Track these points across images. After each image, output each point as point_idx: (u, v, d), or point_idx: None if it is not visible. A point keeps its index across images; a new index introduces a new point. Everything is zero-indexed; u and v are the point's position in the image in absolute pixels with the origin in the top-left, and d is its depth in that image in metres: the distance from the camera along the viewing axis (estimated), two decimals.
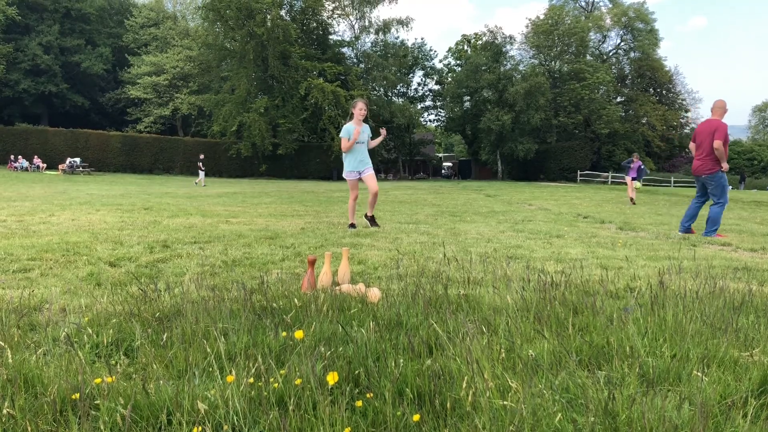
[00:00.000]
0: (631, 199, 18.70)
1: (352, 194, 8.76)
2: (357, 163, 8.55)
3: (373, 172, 8.77)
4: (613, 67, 59.55)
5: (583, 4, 62.91)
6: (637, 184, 20.72)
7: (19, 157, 41.75)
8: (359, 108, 8.44)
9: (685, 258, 5.81)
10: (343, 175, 8.66)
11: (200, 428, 1.78)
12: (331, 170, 47.12)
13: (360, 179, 8.65)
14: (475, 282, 4.08)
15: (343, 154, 8.64)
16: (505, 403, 1.92)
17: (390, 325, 2.85)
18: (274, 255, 5.56)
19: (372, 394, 2.01)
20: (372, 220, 8.94)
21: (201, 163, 31.80)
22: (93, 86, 55.48)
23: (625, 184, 20.22)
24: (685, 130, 61.90)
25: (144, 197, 15.65)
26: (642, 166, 20.34)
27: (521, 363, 2.30)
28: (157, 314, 2.98)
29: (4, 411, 1.81)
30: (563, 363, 2.36)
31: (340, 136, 8.52)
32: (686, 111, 62.14)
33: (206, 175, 44.36)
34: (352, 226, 8.67)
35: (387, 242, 6.72)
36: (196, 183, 30.01)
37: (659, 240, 7.83)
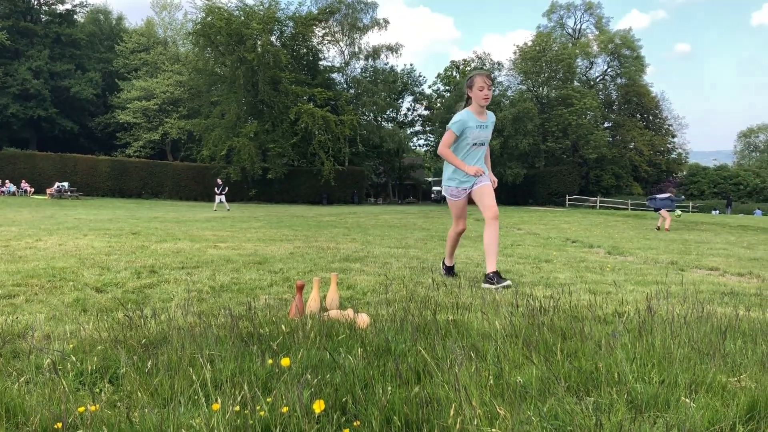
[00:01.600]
0: (658, 228, 17.80)
1: (456, 224, 5.91)
2: (466, 174, 5.56)
3: (490, 183, 5.70)
4: (600, 92, 60.29)
5: (570, 31, 63.84)
6: (676, 212, 19.58)
7: (7, 181, 41.52)
8: (479, 86, 5.31)
9: (672, 283, 5.84)
10: (444, 193, 5.90)
11: None
12: (321, 194, 47.16)
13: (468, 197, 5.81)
14: (464, 307, 4.07)
15: (445, 162, 5.76)
16: (493, 430, 1.90)
17: (378, 352, 2.83)
18: (262, 280, 5.53)
19: (359, 422, 1.99)
20: (495, 277, 5.27)
21: (218, 189, 31.58)
22: (82, 111, 55.43)
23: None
24: (672, 155, 62.55)
25: (132, 222, 15.58)
26: (671, 197, 18.90)
27: (510, 389, 2.29)
28: (143, 341, 2.95)
29: None
30: (552, 389, 2.35)
31: (448, 127, 5.44)
32: (673, 136, 62.88)
33: (195, 199, 44.26)
34: (449, 271, 6.02)
35: (376, 267, 6.71)
36: (215, 210, 28.98)
37: (647, 264, 7.86)
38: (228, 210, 28.67)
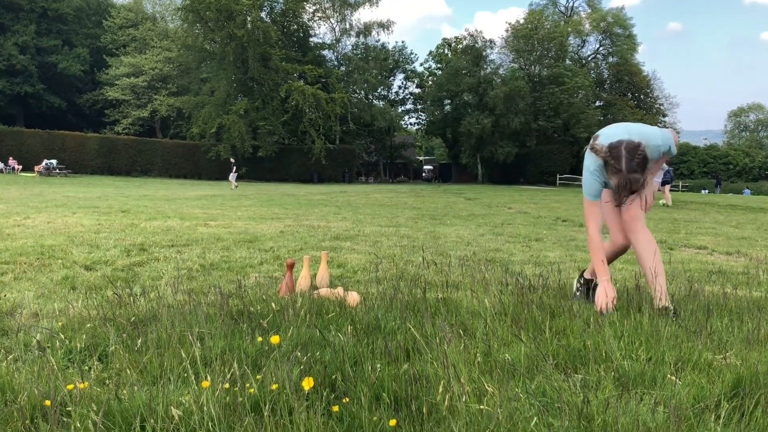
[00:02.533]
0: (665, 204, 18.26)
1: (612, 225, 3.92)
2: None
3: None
4: (592, 71, 60.15)
5: (562, 9, 63.47)
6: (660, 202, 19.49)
7: None
8: None
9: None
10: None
11: None
12: (312, 173, 47.02)
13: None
14: (454, 285, 4.09)
15: None
16: (481, 407, 1.92)
17: (368, 330, 2.84)
18: (252, 258, 5.53)
19: (348, 399, 2.00)
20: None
21: (234, 168, 31.69)
22: (70, 87, 54.76)
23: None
24: None
25: (121, 199, 15.49)
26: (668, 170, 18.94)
27: (498, 367, 2.30)
28: (133, 319, 2.95)
29: None
30: (540, 367, 2.37)
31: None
32: (663, 115, 62.94)
33: (185, 177, 44.02)
34: (587, 285, 3.84)
35: (367, 246, 6.71)
36: (235, 187, 29.01)
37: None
38: (233, 188, 28.64)
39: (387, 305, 3.26)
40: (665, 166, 18.65)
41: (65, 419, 1.86)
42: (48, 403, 1.89)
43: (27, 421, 1.82)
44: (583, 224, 10.54)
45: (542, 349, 2.52)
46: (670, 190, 20.81)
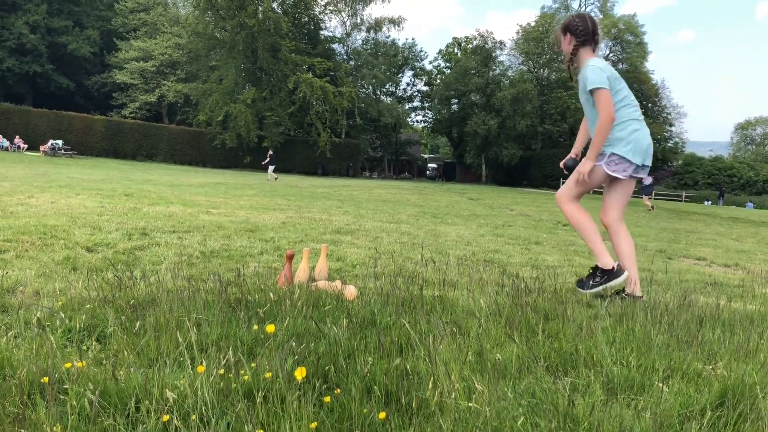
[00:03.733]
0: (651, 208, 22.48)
1: (614, 208, 4.21)
2: (648, 141, 4.03)
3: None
4: None
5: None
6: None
7: (0, 136, 41.19)
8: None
9: (659, 270, 5.90)
10: (607, 168, 4.00)
11: (168, 417, 1.79)
12: (316, 165, 47.07)
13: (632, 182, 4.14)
14: (451, 284, 4.12)
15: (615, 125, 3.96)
16: (470, 404, 1.95)
17: (363, 324, 2.87)
18: (252, 248, 5.56)
19: (340, 391, 2.03)
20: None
21: (271, 158, 31.20)
22: (79, 69, 54.83)
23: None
24: (669, 144, 62.58)
25: (125, 183, 15.54)
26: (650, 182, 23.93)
27: (489, 366, 2.34)
28: (132, 302, 2.99)
29: None
30: (531, 368, 2.40)
31: (597, 86, 3.90)
32: (670, 125, 62.83)
33: (189, 164, 44.07)
34: (612, 275, 4.02)
35: (367, 241, 6.75)
36: (273, 179, 28.55)
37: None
38: (269, 179, 28.10)
39: (383, 300, 3.29)
40: (649, 179, 22.39)
41: (62, 396, 1.90)
42: (46, 379, 1.93)
43: (24, 397, 1.86)
44: None
45: (534, 351, 2.55)
46: (650, 198, 25.11)
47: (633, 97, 4.07)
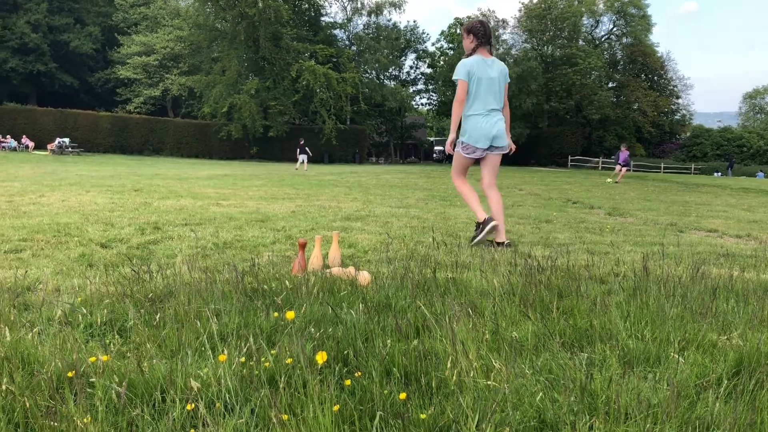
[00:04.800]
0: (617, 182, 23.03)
1: (485, 177, 5.65)
2: (487, 129, 5.37)
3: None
4: (606, 52, 59.59)
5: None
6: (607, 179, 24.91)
7: (7, 136, 41.40)
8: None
9: (670, 244, 5.90)
10: (462, 152, 5.52)
11: (193, 405, 1.84)
12: (322, 153, 47.05)
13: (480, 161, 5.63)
14: (463, 266, 4.14)
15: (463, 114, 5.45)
16: (489, 382, 1.98)
17: (379, 307, 2.91)
18: (264, 238, 5.60)
19: (360, 374, 2.07)
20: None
21: (305, 148, 30.90)
22: (82, 66, 54.93)
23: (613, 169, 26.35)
24: (676, 116, 62.14)
25: (134, 178, 15.62)
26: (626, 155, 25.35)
27: (505, 344, 2.37)
28: (150, 295, 3.03)
29: (3, 387, 1.86)
30: (547, 345, 2.43)
31: (455, 77, 5.34)
32: (677, 97, 62.36)
33: (196, 156, 44.16)
34: (485, 223, 5.37)
35: (377, 226, 6.77)
36: (296, 168, 28.63)
37: (647, 226, 7.92)
38: (296, 170, 27.86)
39: (397, 284, 3.32)
40: (625, 152, 24.85)
41: (89, 390, 1.95)
42: (72, 374, 1.98)
43: (53, 391, 1.90)
44: (594, 206, 10.57)
45: (549, 328, 2.58)
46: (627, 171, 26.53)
47: (484, 97, 5.32)
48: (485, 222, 5.31)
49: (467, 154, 5.47)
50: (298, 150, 30.73)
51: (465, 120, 5.40)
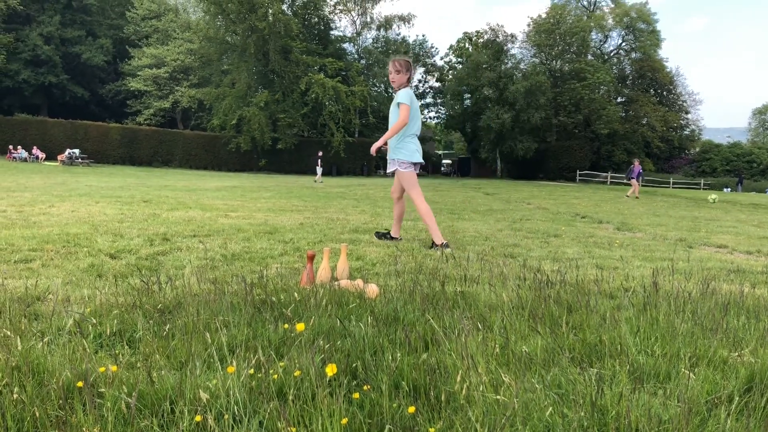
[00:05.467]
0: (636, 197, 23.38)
1: (397, 189, 6.72)
2: (420, 148, 6.51)
3: (389, 169, 6.61)
4: (614, 67, 59.62)
5: (585, 3, 62.88)
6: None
7: (19, 147, 41.73)
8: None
9: (680, 259, 5.87)
10: (400, 168, 6.41)
11: (202, 417, 1.83)
12: (331, 165, 47.15)
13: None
14: (472, 279, 4.13)
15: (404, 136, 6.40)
16: (498, 397, 1.97)
17: (387, 321, 2.90)
18: (273, 249, 5.61)
19: (369, 387, 2.06)
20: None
21: (320, 161, 32.12)
22: (93, 78, 55.44)
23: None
24: (685, 132, 61.97)
25: (143, 190, 15.69)
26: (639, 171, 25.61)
27: (515, 359, 2.36)
28: (159, 306, 3.04)
29: (14, 396, 1.86)
30: (556, 359, 2.41)
31: (405, 102, 6.22)
32: (686, 112, 62.20)
33: (205, 168, 44.34)
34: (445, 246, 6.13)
35: (385, 239, 6.77)
36: (315, 181, 29.62)
37: (656, 241, 7.89)
38: (315, 181, 28.75)
39: (406, 297, 3.32)
40: (638, 167, 25.22)
41: (98, 400, 1.95)
42: (81, 384, 1.98)
43: (62, 401, 1.91)
44: (603, 221, 10.54)
45: (559, 342, 2.57)
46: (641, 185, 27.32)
47: (416, 122, 6.38)
48: (443, 245, 6.10)
49: (404, 169, 6.38)
50: (318, 162, 32.14)
51: (403, 139, 6.34)
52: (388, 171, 6.58)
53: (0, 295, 3.26)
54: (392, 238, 6.68)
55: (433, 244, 6.20)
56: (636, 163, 25.85)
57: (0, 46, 46.94)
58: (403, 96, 6.21)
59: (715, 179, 54.95)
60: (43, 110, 53.56)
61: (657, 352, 2.51)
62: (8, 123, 45.99)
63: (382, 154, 6.81)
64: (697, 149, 62.26)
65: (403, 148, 6.34)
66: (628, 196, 23.41)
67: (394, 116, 6.30)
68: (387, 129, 6.38)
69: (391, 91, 57.83)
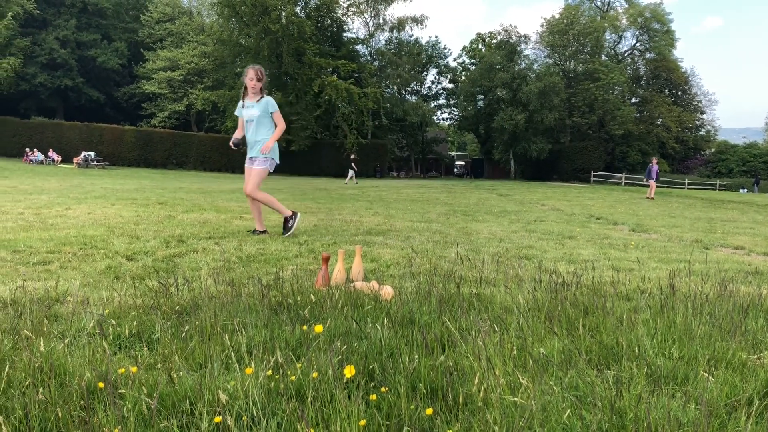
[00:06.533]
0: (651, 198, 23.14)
1: (249, 184, 7.12)
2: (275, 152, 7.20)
3: (255, 166, 7.00)
4: (629, 67, 59.24)
5: (598, 3, 62.55)
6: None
7: (35, 150, 42.15)
8: (248, 76, 6.92)
9: (696, 261, 5.83)
10: (268, 166, 7.11)
11: (221, 418, 1.85)
12: (344, 167, 47.17)
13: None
14: (487, 281, 4.13)
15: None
16: (515, 399, 1.97)
17: (403, 322, 2.91)
18: (287, 251, 5.63)
19: (386, 389, 2.07)
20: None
21: (353, 164, 32.63)
22: (108, 81, 55.89)
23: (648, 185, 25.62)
24: (700, 132, 61.47)
25: (158, 192, 15.80)
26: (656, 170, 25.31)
27: (532, 361, 2.35)
28: (176, 308, 3.06)
29: (40, 396, 1.89)
30: (573, 362, 2.41)
31: (278, 110, 7.05)
32: (701, 113, 61.70)
33: (219, 170, 44.57)
34: (292, 218, 7.08)
35: (399, 240, 6.78)
36: (346, 183, 30.14)
37: (672, 242, 7.84)
38: (346, 183, 29.41)
39: (421, 299, 3.33)
40: (655, 166, 25.06)
41: (118, 401, 1.97)
42: (101, 385, 2.00)
43: (83, 402, 1.93)
44: (617, 222, 10.48)
45: (576, 344, 2.56)
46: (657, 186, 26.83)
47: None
48: (294, 215, 7.07)
49: (270, 167, 7.05)
50: (352, 164, 32.70)
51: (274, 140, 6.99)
52: (258, 166, 6.97)
53: (21, 296, 3.30)
54: (258, 232, 7.11)
55: (255, 230, 7.13)
56: (654, 161, 25.51)
57: (17, 50, 47.41)
58: (274, 103, 6.96)
59: (731, 180, 54.43)
60: (59, 113, 54.07)
61: (675, 355, 2.50)
62: (25, 126, 46.48)
63: (239, 149, 7.51)
64: (713, 150, 61.73)
65: (277, 149, 7.14)
66: (648, 198, 23.20)
67: (265, 119, 6.91)
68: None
69: (404, 93, 57.97)
